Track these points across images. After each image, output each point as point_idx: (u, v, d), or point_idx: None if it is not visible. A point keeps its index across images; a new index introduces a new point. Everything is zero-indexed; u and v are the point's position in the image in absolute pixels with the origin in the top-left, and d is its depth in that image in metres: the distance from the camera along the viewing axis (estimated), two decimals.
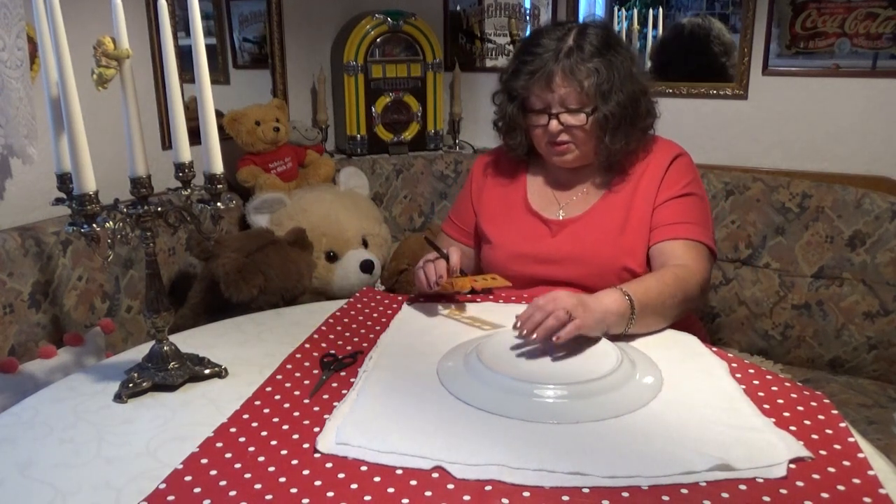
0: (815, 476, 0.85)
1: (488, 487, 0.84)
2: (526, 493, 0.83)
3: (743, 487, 0.83)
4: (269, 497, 0.84)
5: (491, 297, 1.46)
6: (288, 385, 1.10)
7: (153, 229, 1.08)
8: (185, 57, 1.78)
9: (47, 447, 0.95)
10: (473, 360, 1.09)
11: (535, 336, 1.13)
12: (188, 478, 0.87)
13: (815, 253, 1.97)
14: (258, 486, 0.85)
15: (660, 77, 2.41)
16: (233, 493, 0.84)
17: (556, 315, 1.13)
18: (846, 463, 0.88)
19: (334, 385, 1.10)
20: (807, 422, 0.97)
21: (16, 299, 1.49)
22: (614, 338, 1.18)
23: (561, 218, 1.51)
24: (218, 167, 1.05)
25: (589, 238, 1.47)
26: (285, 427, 0.98)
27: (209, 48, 1.79)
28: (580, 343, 1.15)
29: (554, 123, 1.43)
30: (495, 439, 0.92)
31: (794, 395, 1.04)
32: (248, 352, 1.23)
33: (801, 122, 2.25)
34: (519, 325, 1.16)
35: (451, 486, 0.84)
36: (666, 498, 0.82)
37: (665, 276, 1.34)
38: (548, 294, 1.18)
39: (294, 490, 0.85)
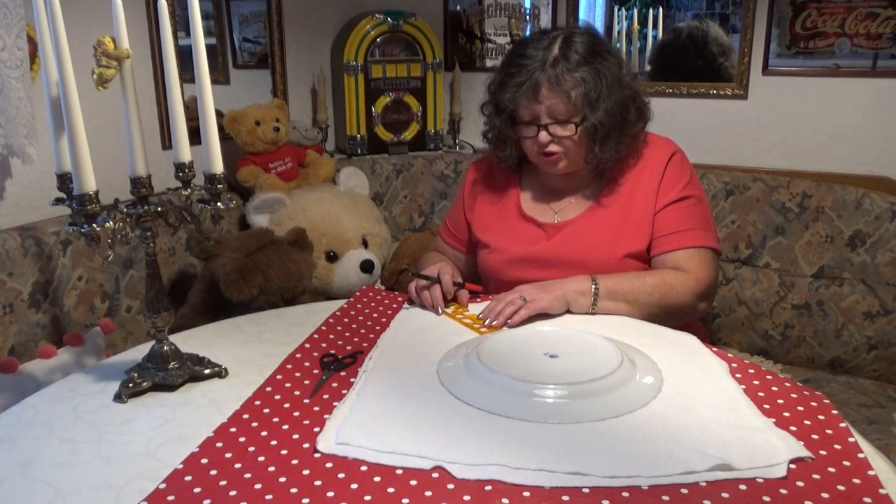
0: (815, 476, 0.85)
1: (488, 487, 0.84)
2: (526, 493, 0.83)
3: (743, 487, 0.83)
4: (269, 497, 0.84)
5: (491, 297, 1.46)
6: (288, 385, 1.10)
7: (153, 229, 1.08)
8: (185, 57, 1.79)
9: (47, 447, 0.95)
10: (473, 360, 1.09)
11: (495, 322, 1.29)
12: (188, 478, 0.87)
13: (815, 253, 1.97)
14: (258, 486, 0.85)
15: (659, 78, 2.41)
16: (233, 493, 0.84)
17: (511, 301, 1.30)
18: (846, 463, 0.88)
19: (334, 385, 1.10)
20: (807, 422, 0.97)
21: (16, 299, 1.49)
22: (611, 331, 1.18)
23: (556, 221, 1.52)
24: (218, 167, 1.05)
25: (585, 240, 1.47)
26: (285, 427, 0.98)
27: (209, 48, 1.79)
28: (579, 342, 1.16)
29: (543, 135, 1.42)
30: (495, 439, 0.92)
31: (794, 395, 1.04)
32: (248, 352, 1.23)
33: (801, 122, 2.25)
34: (482, 315, 1.32)
35: (451, 486, 0.84)
36: (666, 498, 0.82)
37: (648, 275, 1.40)
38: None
39: (294, 490, 0.85)
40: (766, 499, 0.81)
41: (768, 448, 0.89)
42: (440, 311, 1.36)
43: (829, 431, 0.95)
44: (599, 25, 2.47)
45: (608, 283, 1.35)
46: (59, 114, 0.97)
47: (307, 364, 1.18)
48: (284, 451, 0.93)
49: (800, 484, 0.84)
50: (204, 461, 0.91)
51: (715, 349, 1.21)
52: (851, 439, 0.93)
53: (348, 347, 1.24)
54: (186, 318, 1.82)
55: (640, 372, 1.08)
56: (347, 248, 2.19)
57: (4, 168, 1.62)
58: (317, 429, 0.97)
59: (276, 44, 2.44)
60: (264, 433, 0.97)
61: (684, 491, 0.83)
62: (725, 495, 0.82)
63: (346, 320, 1.36)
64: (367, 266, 2.16)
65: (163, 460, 0.92)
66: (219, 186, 1.05)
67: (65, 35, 0.92)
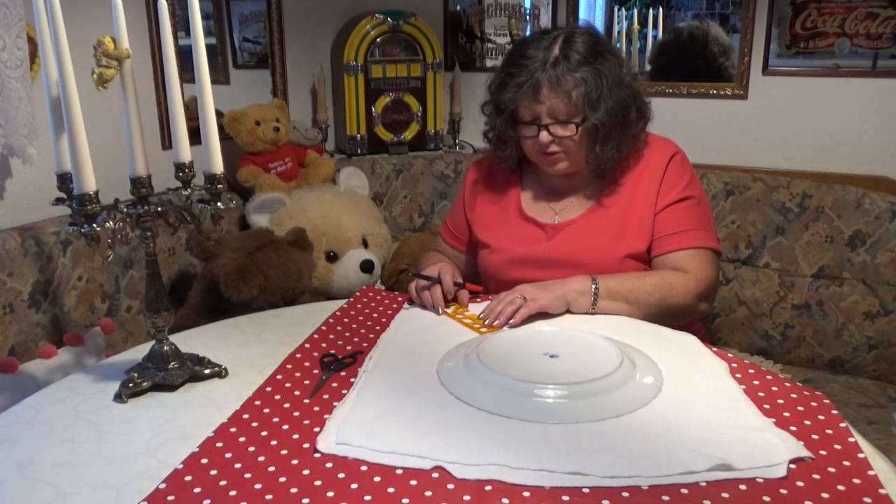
0: (815, 476, 0.85)
1: (488, 487, 0.84)
2: (526, 493, 0.83)
3: (743, 487, 0.83)
4: (269, 497, 0.84)
5: (490, 298, 1.46)
6: (288, 385, 1.10)
7: (153, 229, 1.08)
8: (185, 57, 1.79)
9: (47, 447, 0.95)
10: (473, 360, 1.09)
11: (497, 322, 1.29)
12: (188, 478, 0.87)
13: (815, 253, 1.97)
14: (258, 486, 0.85)
15: (659, 78, 2.41)
16: (233, 493, 0.85)
17: (512, 301, 1.31)
18: (846, 463, 0.88)
19: (334, 385, 1.11)
20: (807, 422, 0.97)
21: (16, 299, 1.49)
22: (611, 331, 1.18)
23: (556, 222, 1.52)
24: (218, 167, 1.05)
25: (585, 240, 1.47)
26: (285, 427, 0.98)
27: (209, 48, 1.79)
28: (579, 342, 1.16)
29: (544, 135, 1.42)
30: (495, 439, 0.92)
31: (794, 395, 1.04)
32: (248, 352, 1.23)
33: (801, 122, 2.25)
34: (483, 315, 1.32)
35: (451, 486, 0.84)
36: (666, 498, 0.82)
37: (648, 275, 1.40)
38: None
39: (294, 490, 0.85)
40: (766, 499, 0.81)
41: (768, 448, 0.89)
42: (440, 311, 1.37)
43: (829, 431, 0.95)
44: (599, 25, 2.47)
45: (608, 283, 1.35)
46: (59, 114, 0.97)
47: (307, 364, 1.18)
48: (284, 451, 0.93)
49: (800, 484, 0.84)
50: (204, 461, 0.91)
51: (715, 349, 1.21)
52: (851, 439, 0.93)
53: (348, 347, 1.24)
54: (186, 318, 1.82)
55: (640, 372, 1.08)
56: (347, 248, 2.19)
57: (4, 168, 1.62)
58: (317, 429, 0.97)
59: (276, 44, 2.44)
60: (264, 433, 0.97)
61: (684, 491, 0.83)
62: (725, 495, 0.82)
63: (346, 320, 1.36)
64: (367, 266, 2.16)
65: (163, 460, 0.92)
66: (219, 186, 1.05)
67: (65, 35, 0.92)
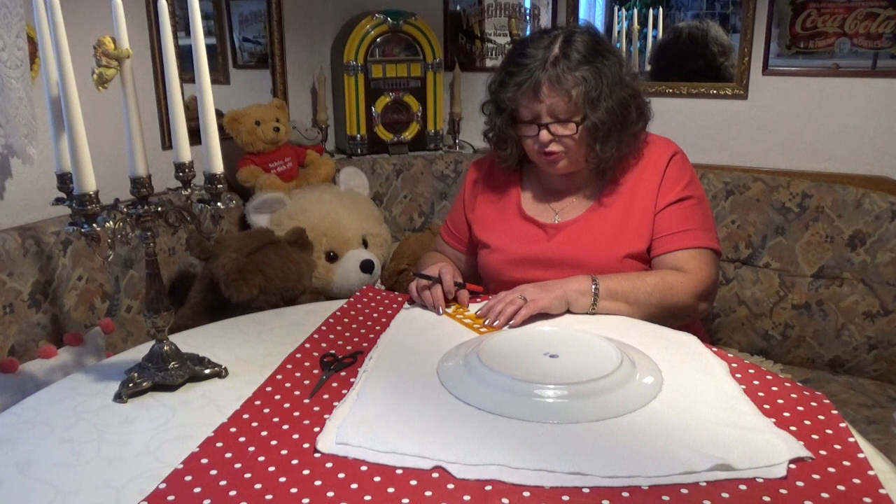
0: (815, 476, 0.85)
1: (488, 487, 0.84)
2: (526, 493, 0.83)
3: (743, 487, 0.83)
4: (269, 497, 0.84)
5: (490, 298, 1.46)
6: (288, 385, 1.10)
7: (153, 229, 1.08)
8: (185, 57, 1.79)
9: (47, 447, 0.95)
10: (473, 360, 1.09)
11: (496, 323, 1.29)
12: (188, 478, 0.87)
13: (815, 253, 1.97)
14: (258, 486, 0.85)
15: (659, 78, 2.41)
16: (233, 492, 0.85)
17: (512, 301, 1.31)
18: (846, 463, 0.88)
19: (334, 385, 1.11)
20: (807, 422, 0.97)
21: (16, 299, 1.49)
22: (611, 331, 1.18)
23: (556, 222, 1.52)
24: (218, 167, 1.05)
25: (585, 240, 1.47)
26: (285, 427, 0.98)
27: (209, 48, 1.79)
28: (579, 342, 1.16)
29: (544, 134, 1.42)
30: (495, 439, 0.92)
31: (794, 395, 1.04)
32: (248, 352, 1.23)
33: (801, 122, 2.25)
34: (482, 313, 1.33)
35: (451, 486, 0.84)
36: (666, 498, 0.82)
37: (648, 275, 1.40)
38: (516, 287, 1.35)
39: (294, 490, 0.85)
40: (766, 499, 0.81)
41: (768, 448, 0.89)
42: (441, 311, 1.37)
43: (829, 431, 0.95)
44: (599, 25, 2.47)
45: (608, 283, 1.35)
46: (59, 114, 0.97)
47: (307, 364, 1.18)
48: (284, 451, 0.93)
49: (800, 484, 0.84)
50: (204, 461, 0.91)
51: (715, 349, 1.21)
52: (851, 439, 0.93)
53: (348, 347, 1.24)
54: (186, 318, 1.83)
55: (640, 372, 1.08)
56: (347, 248, 2.19)
57: (4, 168, 1.62)
58: (317, 429, 0.97)
59: (276, 44, 2.44)
60: (264, 433, 0.97)
61: (684, 491, 0.83)
62: (725, 495, 0.82)
63: (346, 320, 1.36)
64: (367, 266, 2.16)
65: (163, 460, 0.92)
66: (219, 186, 1.05)
67: (65, 35, 0.92)
